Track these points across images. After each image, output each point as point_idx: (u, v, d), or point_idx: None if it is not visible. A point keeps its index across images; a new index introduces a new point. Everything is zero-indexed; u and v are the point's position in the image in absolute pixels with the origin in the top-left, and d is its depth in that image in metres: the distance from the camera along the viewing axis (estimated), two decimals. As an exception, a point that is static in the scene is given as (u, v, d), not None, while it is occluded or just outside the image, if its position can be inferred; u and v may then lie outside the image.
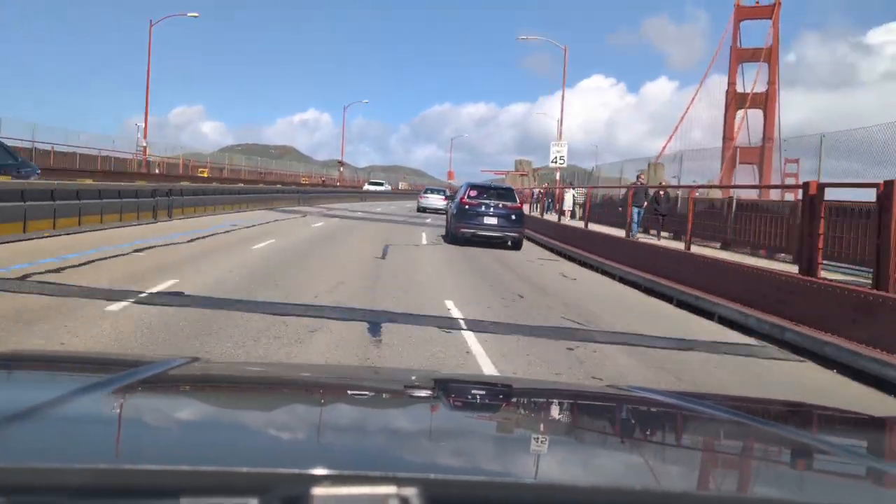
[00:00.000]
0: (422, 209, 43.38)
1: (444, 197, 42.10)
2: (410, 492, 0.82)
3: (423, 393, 1.85)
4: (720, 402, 2.05)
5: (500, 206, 20.17)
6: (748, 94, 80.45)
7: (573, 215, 30.00)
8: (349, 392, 1.78)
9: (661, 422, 1.72)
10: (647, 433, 1.61)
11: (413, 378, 2.32)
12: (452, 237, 20.86)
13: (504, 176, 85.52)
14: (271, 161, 65.64)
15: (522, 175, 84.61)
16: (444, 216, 26.69)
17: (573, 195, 31.12)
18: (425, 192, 47.28)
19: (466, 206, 20.38)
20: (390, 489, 0.82)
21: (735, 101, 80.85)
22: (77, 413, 1.21)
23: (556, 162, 36.23)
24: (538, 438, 1.42)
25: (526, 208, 32.14)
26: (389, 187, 78.31)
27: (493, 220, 20.10)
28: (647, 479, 1.17)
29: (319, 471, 0.87)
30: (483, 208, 20.18)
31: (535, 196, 42.23)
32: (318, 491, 0.81)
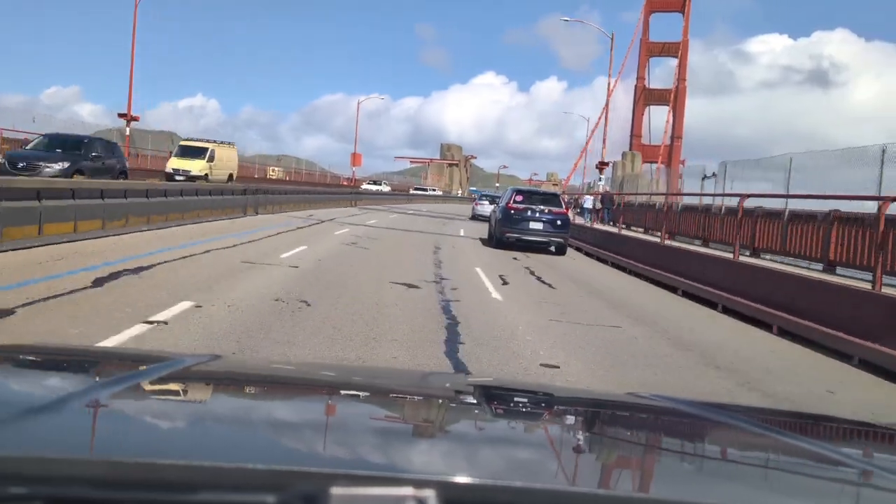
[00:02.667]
0: (474, 217, 40.81)
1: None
2: (427, 493, 0.83)
3: (445, 396, 1.86)
4: (744, 412, 2.07)
5: (546, 211, 20.55)
6: (658, 90, 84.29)
7: None
8: (370, 393, 1.81)
9: (682, 432, 1.72)
10: (667, 443, 1.63)
11: (435, 381, 2.33)
12: (497, 241, 21.05)
13: (427, 165, 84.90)
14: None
15: (451, 164, 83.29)
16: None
17: None
18: (480, 199, 45.38)
19: (512, 211, 20.60)
20: (407, 490, 0.83)
21: (644, 97, 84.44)
22: (99, 406, 1.23)
23: None
24: (557, 445, 1.43)
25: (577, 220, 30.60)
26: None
27: (539, 226, 20.44)
28: (664, 489, 1.17)
29: (338, 470, 0.90)
30: (529, 213, 20.47)
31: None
32: (336, 490, 0.82)
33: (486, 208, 38.41)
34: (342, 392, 1.77)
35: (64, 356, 2.02)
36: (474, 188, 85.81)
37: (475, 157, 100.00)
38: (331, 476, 0.85)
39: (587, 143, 72.19)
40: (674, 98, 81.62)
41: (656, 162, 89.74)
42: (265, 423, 1.32)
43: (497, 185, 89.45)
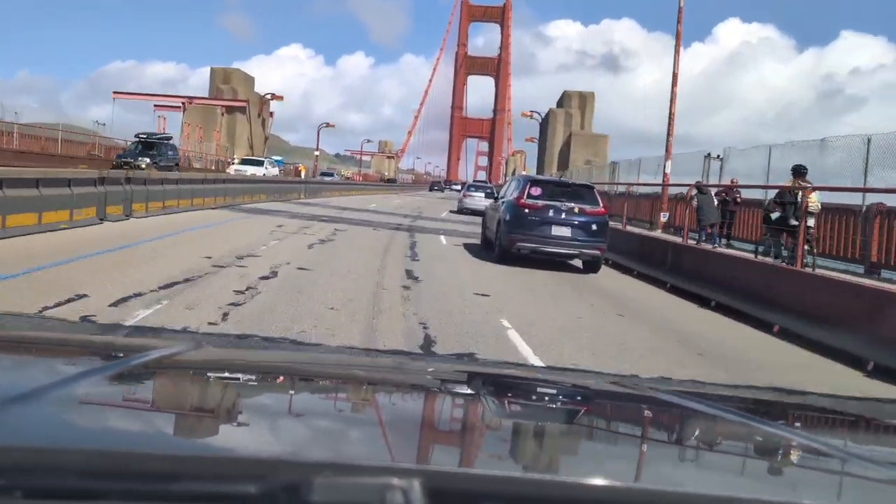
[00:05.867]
0: (462, 210, 32.61)
1: (486, 195, 31.02)
2: (413, 483, 0.82)
3: (430, 385, 1.80)
4: (726, 401, 2.01)
5: (577, 210, 13.85)
6: (481, 58, 79.74)
7: None
8: (354, 381, 1.75)
9: (663, 420, 1.70)
10: (650, 431, 1.60)
11: (420, 368, 2.27)
12: (502, 252, 14.12)
13: (181, 110, 66.79)
14: None
15: (233, 108, 64.15)
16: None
17: None
18: (469, 190, 36.06)
19: (527, 211, 13.77)
20: (391, 480, 0.82)
21: (465, 64, 79.50)
22: (79, 396, 1.19)
23: None
24: (543, 433, 1.41)
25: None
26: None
27: (566, 231, 13.76)
28: (651, 477, 1.14)
29: (320, 459, 0.89)
30: (552, 213, 13.77)
31: None
32: (318, 480, 0.80)
33: (477, 201, 30.55)
34: (326, 381, 1.74)
35: (42, 341, 1.95)
36: (278, 158, 68.52)
37: (280, 98, 69.61)
38: (314, 465, 0.84)
39: (419, 109, 66.17)
40: (497, 66, 77.68)
41: (478, 136, 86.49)
42: (247, 412, 1.30)
43: (316, 153, 77.43)
